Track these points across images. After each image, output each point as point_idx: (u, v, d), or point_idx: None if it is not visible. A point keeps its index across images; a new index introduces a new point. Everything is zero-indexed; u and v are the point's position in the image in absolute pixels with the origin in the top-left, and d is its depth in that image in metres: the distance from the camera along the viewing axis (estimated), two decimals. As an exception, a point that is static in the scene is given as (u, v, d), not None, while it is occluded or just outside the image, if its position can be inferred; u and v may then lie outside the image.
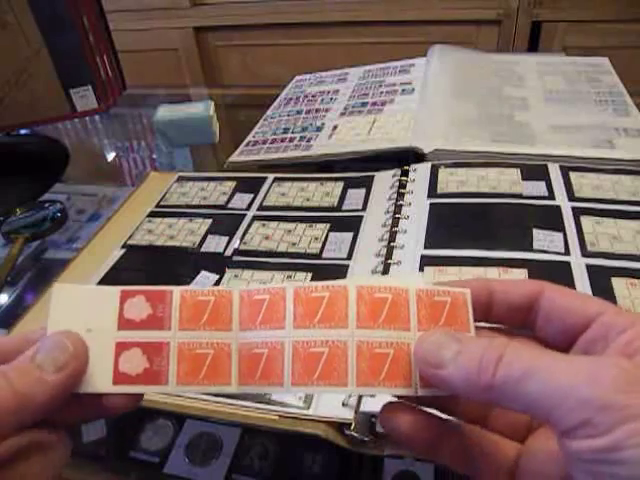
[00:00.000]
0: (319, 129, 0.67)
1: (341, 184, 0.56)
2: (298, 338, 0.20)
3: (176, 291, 0.22)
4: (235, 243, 0.50)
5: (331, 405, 0.34)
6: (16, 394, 0.18)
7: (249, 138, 0.70)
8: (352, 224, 0.50)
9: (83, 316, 0.21)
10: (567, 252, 0.42)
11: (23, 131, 0.79)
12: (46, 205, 0.61)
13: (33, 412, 0.18)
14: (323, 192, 0.55)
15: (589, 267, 0.40)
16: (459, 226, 0.46)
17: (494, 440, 0.22)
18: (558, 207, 0.47)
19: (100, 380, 0.20)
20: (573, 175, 0.51)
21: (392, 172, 0.56)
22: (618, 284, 0.39)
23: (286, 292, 0.21)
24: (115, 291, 0.21)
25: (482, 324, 0.22)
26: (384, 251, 0.45)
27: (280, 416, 0.34)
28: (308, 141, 0.64)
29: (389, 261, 0.44)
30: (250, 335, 0.21)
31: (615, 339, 0.18)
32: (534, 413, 0.17)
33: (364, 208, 0.52)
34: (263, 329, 0.21)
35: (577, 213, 0.46)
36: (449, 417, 0.22)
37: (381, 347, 0.20)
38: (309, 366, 0.20)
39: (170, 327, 0.21)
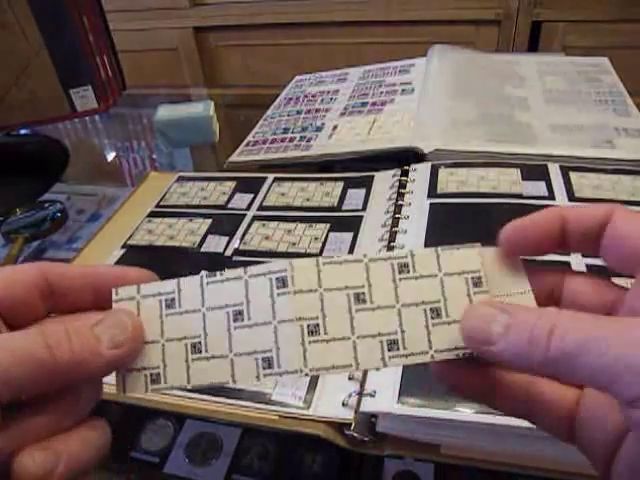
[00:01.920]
0: (319, 129, 0.67)
1: (341, 184, 0.56)
2: None
3: None
4: (235, 243, 0.50)
5: (331, 405, 0.34)
6: (73, 355, 0.18)
7: (249, 138, 0.70)
8: (352, 224, 0.50)
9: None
10: (567, 252, 0.42)
11: (23, 131, 0.79)
12: (46, 205, 0.61)
13: (81, 378, 0.19)
14: (323, 192, 0.55)
15: (590, 267, 0.40)
16: (459, 226, 0.46)
17: (551, 385, 0.21)
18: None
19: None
20: (573, 175, 0.51)
21: (392, 172, 0.56)
22: (619, 284, 0.39)
23: None
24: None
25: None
26: (384, 251, 0.45)
27: (280, 416, 0.34)
28: (308, 141, 0.64)
29: (389, 261, 0.44)
30: None
31: None
32: (593, 385, 0.17)
33: (364, 208, 0.52)
34: None
35: (577, 213, 0.46)
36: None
37: None
38: None
39: None
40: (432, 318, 0.20)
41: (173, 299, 0.21)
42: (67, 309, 0.22)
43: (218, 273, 0.21)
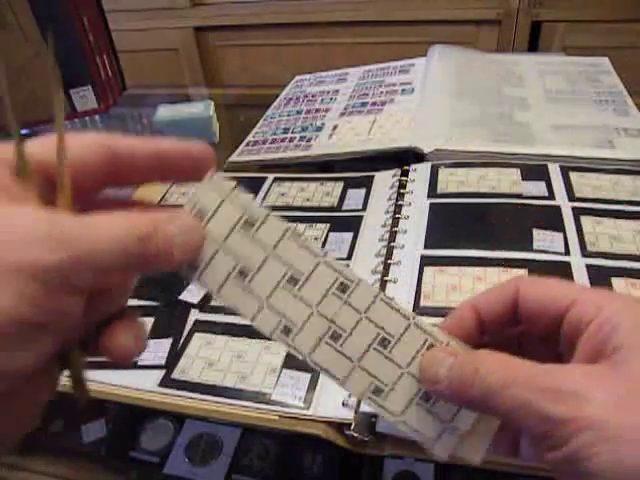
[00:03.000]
0: (319, 129, 0.67)
1: (341, 184, 0.56)
2: None
3: None
4: (235, 243, 0.50)
5: (331, 405, 0.34)
6: (157, 252, 0.19)
7: (249, 138, 0.70)
8: (352, 224, 0.50)
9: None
10: (567, 252, 0.42)
11: (23, 131, 0.79)
12: (46, 205, 0.61)
13: (146, 271, 0.20)
14: (323, 192, 0.55)
15: (589, 267, 0.40)
16: (459, 226, 0.46)
17: None
18: (558, 207, 0.47)
19: None
20: (573, 175, 0.51)
21: (392, 172, 0.56)
22: (618, 284, 0.39)
23: None
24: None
25: None
26: (384, 251, 0.45)
27: (280, 416, 0.34)
28: (308, 141, 0.64)
29: (389, 261, 0.44)
30: None
31: (584, 332, 0.19)
32: (512, 424, 0.19)
33: (364, 208, 0.52)
34: None
35: (577, 213, 0.46)
36: None
37: None
38: None
39: None
40: (421, 398, 0.22)
41: (252, 224, 0.21)
42: (125, 184, 0.22)
43: (303, 236, 0.21)
